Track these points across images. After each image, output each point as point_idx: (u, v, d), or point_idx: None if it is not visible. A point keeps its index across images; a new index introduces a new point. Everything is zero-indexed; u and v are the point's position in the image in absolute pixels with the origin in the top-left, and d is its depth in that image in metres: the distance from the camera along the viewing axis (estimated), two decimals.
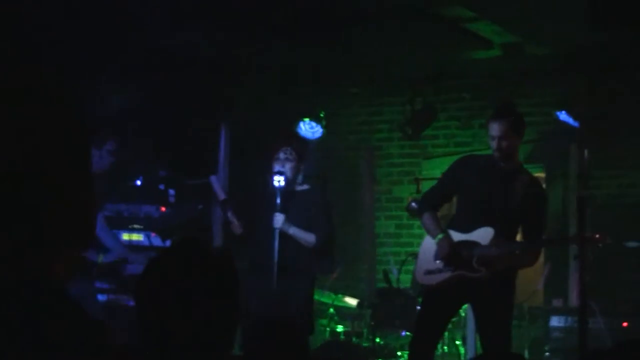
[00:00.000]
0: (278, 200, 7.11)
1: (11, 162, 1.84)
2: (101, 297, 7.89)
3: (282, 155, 7.20)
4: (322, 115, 10.23)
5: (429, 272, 6.74)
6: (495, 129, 6.54)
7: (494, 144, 6.55)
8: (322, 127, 10.14)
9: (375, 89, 11.18)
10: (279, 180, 7.10)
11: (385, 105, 11.33)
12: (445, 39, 9.12)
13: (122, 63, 8.40)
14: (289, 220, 7.15)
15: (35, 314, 1.84)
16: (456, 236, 6.70)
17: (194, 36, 8.35)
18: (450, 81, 10.64)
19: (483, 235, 6.59)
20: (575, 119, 9.47)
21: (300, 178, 7.32)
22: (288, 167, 7.18)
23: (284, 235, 7.12)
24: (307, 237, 7.21)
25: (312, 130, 10.05)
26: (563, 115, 9.48)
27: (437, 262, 6.70)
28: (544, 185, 7.04)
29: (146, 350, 2.37)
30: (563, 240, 8.42)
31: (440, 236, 6.71)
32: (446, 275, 6.67)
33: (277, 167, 7.16)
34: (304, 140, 7.59)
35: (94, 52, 8.05)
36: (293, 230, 7.17)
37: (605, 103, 9.75)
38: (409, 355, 7.06)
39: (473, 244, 6.59)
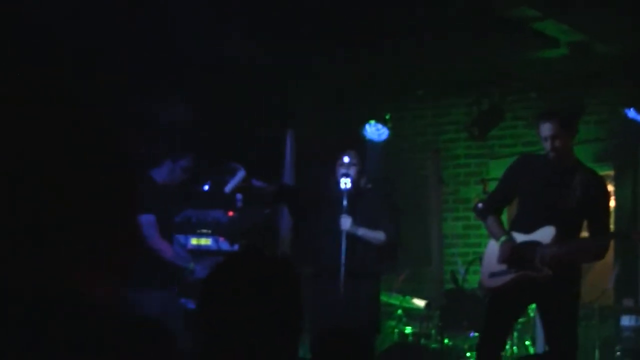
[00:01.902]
0: (345, 203, 7.14)
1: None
2: (190, 305, 7.95)
3: (346, 160, 7.26)
4: (388, 117, 10.25)
5: (493, 275, 6.74)
6: (546, 129, 6.56)
7: (547, 144, 6.56)
8: (389, 129, 10.17)
9: (441, 90, 11.16)
10: (345, 183, 7.15)
11: (452, 106, 11.30)
12: (511, 38, 9.08)
13: (190, 76, 8.51)
14: (356, 222, 7.19)
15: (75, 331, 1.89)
16: (519, 237, 6.70)
17: (257, 46, 8.43)
18: (516, 81, 10.58)
19: (545, 234, 6.57)
20: None
21: (364, 181, 7.35)
22: (353, 171, 7.23)
23: (350, 238, 7.15)
24: (377, 235, 7.25)
25: (378, 133, 10.08)
26: (632, 113, 9.39)
27: (501, 264, 6.69)
28: (606, 181, 6.97)
29: (207, 352, 2.42)
30: (623, 235, 8.32)
31: (503, 239, 6.71)
32: (510, 276, 6.66)
33: (342, 171, 7.21)
34: (366, 144, 7.61)
35: (161, 65, 8.17)
36: (362, 231, 7.21)
37: None
38: (477, 357, 7.06)
39: (535, 244, 6.57)
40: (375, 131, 10.09)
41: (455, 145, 11.31)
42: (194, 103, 8.39)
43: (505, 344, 7.02)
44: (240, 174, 7.50)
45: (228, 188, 7.58)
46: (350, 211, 7.16)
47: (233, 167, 7.56)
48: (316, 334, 7.11)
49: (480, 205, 9.99)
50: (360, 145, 7.54)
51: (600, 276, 10.11)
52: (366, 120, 10.11)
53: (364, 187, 7.41)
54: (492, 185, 9.70)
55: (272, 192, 7.56)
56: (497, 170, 10.54)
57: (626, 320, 9.02)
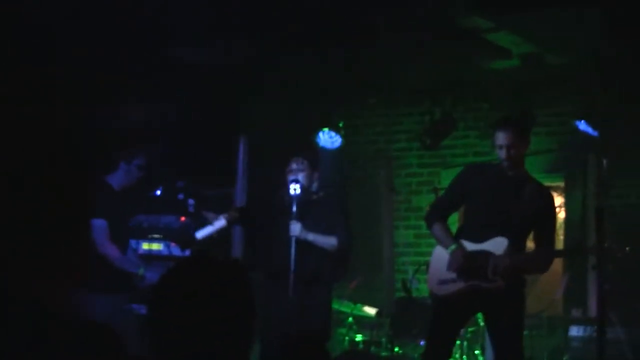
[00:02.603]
0: (294, 209, 7.14)
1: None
2: (138, 308, 7.91)
3: (294, 166, 7.26)
4: (341, 125, 10.28)
5: (442, 282, 6.74)
6: (501, 137, 6.57)
7: (502, 153, 6.58)
8: (341, 136, 10.20)
9: (394, 99, 11.20)
10: (294, 189, 7.14)
11: (404, 115, 11.35)
12: (464, 49, 9.14)
13: (142, 76, 8.46)
14: (307, 228, 7.19)
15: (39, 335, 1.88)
16: (469, 246, 6.69)
17: (212, 49, 8.42)
18: (469, 91, 10.65)
19: (497, 245, 6.58)
20: (594, 128, 9.48)
21: (315, 187, 7.35)
22: (301, 177, 7.22)
23: (301, 244, 7.13)
24: (329, 241, 7.23)
25: (331, 140, 10.11)
26: (582, 125, 9.49)
27: (450, 272, 6.70)
28: (552, 193, 7.02)
29: (158, 357, 2.40)
30: (576, 251, 8.40)
31: (453, 247, 6.70)
32: (460, 285, 6.66)
33: (291, 177, 7.21)
34: (316, 150, 7.61)
35: (115, 65, 8.12)
36: (313, 236, 7.19)
37: (624, 112, 9.72)
38: None
39: (487, 254, 6.58)
40: (328, 139, 10.12)
41: (407, 154, 11.35)
42: (147, 107, 8.34)
43: (451, 352, 7.03)
44: (219, 224, 7.49)
45: (200, 235, 7.57)
46: (300, 217, 7.15)
47: (213, 216, 7.55)
48: (266, 341, 7.10)
49: None
50: (311, 152, 7.51)
51: (548, 286, 10.18)
52: (319, 128, 10.12)
53: (316, 193, 7.40)
54: None
55: (236, 220, 7.54)
56: (449, 179, 10.56)
57: (574, 331, 9.10)
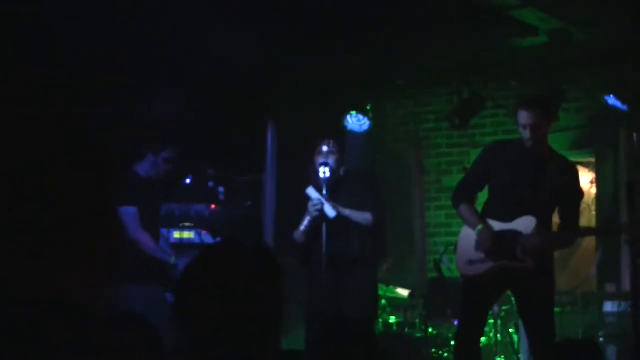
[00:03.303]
0: (324, 192, 7.13)
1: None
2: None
3: (324, 149, 7.23)
4: (369, 108, 10.26)
5: (471, 262, 6.72)
6: (525, 117, 6.52)
7: (526, 133, 6.53)
8: (370, 119, 10.18)
9: (421, 80, 11.17)
10: (324, 172, 7.12)
11: (432, 96, 11.32)
12: (491, 27, 9.08)
13: (170, 69, 8.50)
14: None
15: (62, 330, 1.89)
16: (496, 226, 6.68)
17: (237, 39, 8.42)
18: (496, 70, 10.59)
19: (525, 224, 6.55)
20: (623, 102, 9.41)
21: (342, 170, 7.33)
22: (332, 160, 7.20)
23: (338, 226, 7.09)
24: (364, 216, 7.20)
25: (359, 123, 10.10)
26: (611, 100, 9.43)
27: (479, 252, 6.68)
28: (584, 169, 6.98)
29: (187, 347, 2.40)
30: (607, 230, 8.32)
31: (480, 227, 6.68)
32: (489, 265, 6.64)
33: (321, 160, 7.19)
34: (345, 133, 7.58)
35: (141, 59, 8.17)
36: (349, 212, 7.15)
37: None
38: (455, 345, 7.07)
39: (516, 234, 6.56)
40: (356, 122, 10.10)
41: (436, 135, 11.33)
42: (175, 97, 8.37)
43: (483, 331, 7.02)
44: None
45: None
46: (331, 199, 7.14)
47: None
48: (310, 326, 7.11)
49: None
50: (340, 135, 7.48)
51: (582, 263, 10.16)
52: (347, 111, 10.11)
53: (345, 175, 7.37)
54: None
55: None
56: None
57: (609, 306, 9.06)
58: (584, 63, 10.08)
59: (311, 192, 7.18)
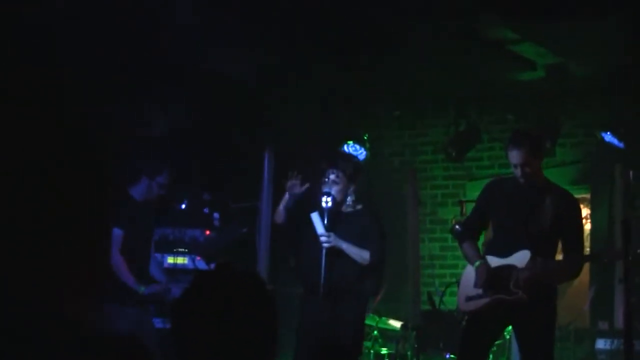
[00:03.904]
0: (325, 221, 7.12)
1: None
2: (159, 324, 7.94)
3: (330, 177, 7.22)
4: (366, 138, 10.28)
5: (470, 299, 6.78)
6: (514, 156, 6.61)
7: (517, 171, 6.62)
8: (366, 149, 10.20)
9: (419, 111, 11.20)
10: (326, 201, 7.12)
11: (429, 127, 11.34)
12: (489, 60, 9.13)
13: (167, 88, 8.50)
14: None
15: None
16: (494, 261, 6.73)
17: (236, 62, 8.44)
18: (494, 103, 10.63)
19: (521, 258, 6.60)
20: (620, 139, 9.44)
21: (349, 200, 7.31)
22: (335, 189, 7.19)
23: (333, 255, 7.08)
24: (361, 254, 7.18)
25: (356, 153, 10.11)
26: (608, 136, 9.46)
27: (477, 288, 6.72)
28: (576, 198, 6.99)
29: None
30: (595, 256, 8.31)
31: (477, 263, 6.77)
32: (485, 300, 6.69)
33: (325, 189, 7.19)
34: (354, 163, 7.55)
35: (138, 76, 8.16)
36: (346, 245, 7.14)
37: None
38: None
39: (511, 268, 6.61)
40: (353, 151, 10.12)
41: (432, 166, 11.34)
42: (173, 117, 8.37)
43: None
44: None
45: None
46: (331, 230, 7.12)
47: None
48: (299, 353, 7.09)
49: (458, 226, 10.03)
50: (349, 164, 7.44)
51: (576, 298, 10.14)
52: (345, 141, 10.13)
53: (349, 206, 7.35)
54: (470, 207, 9.74)
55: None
56: (475, 191, 10.54)
57: (601, 343, 9.04)
58: (581, 98, 10.12)
59: (315, 218, 7.18)
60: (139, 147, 8.02)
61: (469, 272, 6.88)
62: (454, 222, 10.18)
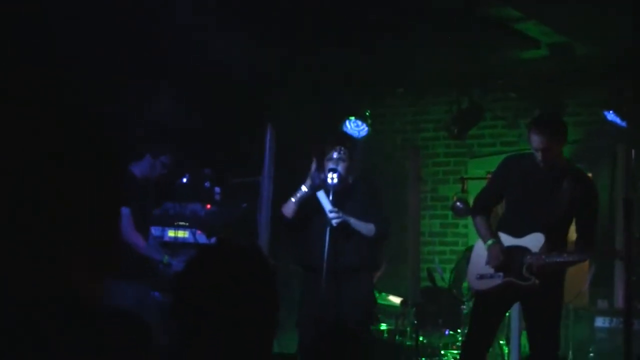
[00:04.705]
0: (331, 197, 7.11)
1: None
2: (158, 296, 7.98)
3: (335, 155, 7.20)
4: (368, 114, 10.26)
5: (481, 277, 6.76)
6: (536, 141, 6.52)
7: (538, 155, 6.54)
8: (368, 126, 10.19)
9: (421, 88, 11.17)
10: (332, 178, 7.10)
11: (431, 104, 11.33)
12: (492, 38, 9.09)
13: (170, 70, 8.49)
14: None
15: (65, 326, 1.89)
16: (507, 240, 6.71)
17: (238, 40, 8.41)
18: (497, 81, 10.60)
19: (534, 241, 6.58)
20: (623, 118, 9.42)
21: (351, 178, 7.31)
22: (341, 167, 7.18)
23: (339, 234, 7.08)
24: (367, 227, 7.18)
25: (358, 129, 10.11)
26: (611, 115, 9.43)
27: (489, 267, 6.71)
28: (591, 180, 6.96)
29: (184, 345, 2.41)
30: (612, 252, 8.26)
31: (490, 242, 6.73)
32: (497, 281, 6.68)
33: (330, 165, 7.17)
34: (355, 141, 7.53)
35: (141, 59, 8.15)
36: (353, 220, 7.13)
37: None
38: (461, 354, 7.07)
39: (524, 250, 6.59)
40: (355, 128, 10.11)
41: (434, 144, 11.34)
42: (175, 98, 8.36)
43: (490, 344, 7.04)
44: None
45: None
46: (337, 206, 7.11)
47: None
48: (304, 332, 7.10)
49: (459, 203, 10.05)
50: (352, 142, 7.42)
51: (575, 277, 10.13)
52: (346, 117, 10.12)
53: (353, 183, 7.33)
54: (471, 184, 9.75)
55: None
56: (476, 169, 10.59)
57: (600, 322, 9.06)
58: (584, 77, 10.09)
59: (321, 196, 7.17)
60: (143, 130, 8.03)
61: (480, 249, 6.85)
62: (455, 199, 10.22)
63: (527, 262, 6.55)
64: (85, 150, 7.69)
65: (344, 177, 7.19)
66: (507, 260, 6.63)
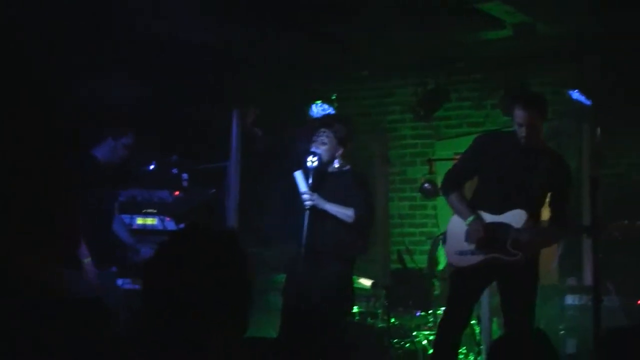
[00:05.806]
0: (310, 181, 7.08)
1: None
2: (127, 285, 7.95)
3: (319, 137, 7.17)
4: (334, 97, 10.25)
5: (462, 253, 6.76)
6: (521, 116, 6.55)
7: (521, 130, 6.55)
8: (334, 109, 10.18)
9: (387, 71, 11.17)
10: (312, 161, 7.07)
11: (397, 87, 11.33)
12: (456, 19, 9.09)
13: (134, 53, 8.42)
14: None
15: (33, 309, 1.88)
16: (487, 217, 6.73)
17: (203, 26, 8.37)
18: (461, 62, 10.62)
19: (516, 217, 6.61)
20: (587, 97, 9.46)
21: (337, 162, 7.25)
22: (322, 149, 7.14)
23: (317, 216, 7.04)
24: (346, 212, 7.12)
25: (324, 113, 10.09)
26: (576, 94, 9.47)
27: (469, 243, 6.72)
28: (567, 162, 6.99)
29: (154, 331, 2.40)
30: (592, 229, 8.32)
31: (471, 218, 6.74)
32: (479, 257, 6.69)
33: (312, 148, 7.14)
34: (349, 127, 7.41)
35: (104, 42, 8.08)
36: (329, 206, 7.09)
37: (617, 82, 9.70)
38: (438, 334, 7.03)
39: (506, 227, 6.61)
40: (321, 111, 10.10)
41: (401, 126, 11.34)
42: (138, 82, 8.30)
43: (467, 324, 7.05)
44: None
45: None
46: (316, 189, 7.07)
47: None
48: (286, 315, 7.07)
49: (426, 185, 10.08)
50: (341, 126, 7.31)
51: (544, 256, 10.16)
52: (312, 100, 10.10)
53: (339, 168, 7.27)
54: (439, 166, 9.76)
55: None
56: (443, 150, 10.61)
57: (570, 300, 9.12)
58: (549, 57, 10.12)
59: (298, 176, 7.12)
60: (104, 113, 7.95)
61: (457, 225, 6.84)
62: (423, 180, 10.25)
63: (513, 237, 6.57)
64: (41, 135, 7.61)
65: (324, 161, 7.14)
66: (490, 237, 6.64)
